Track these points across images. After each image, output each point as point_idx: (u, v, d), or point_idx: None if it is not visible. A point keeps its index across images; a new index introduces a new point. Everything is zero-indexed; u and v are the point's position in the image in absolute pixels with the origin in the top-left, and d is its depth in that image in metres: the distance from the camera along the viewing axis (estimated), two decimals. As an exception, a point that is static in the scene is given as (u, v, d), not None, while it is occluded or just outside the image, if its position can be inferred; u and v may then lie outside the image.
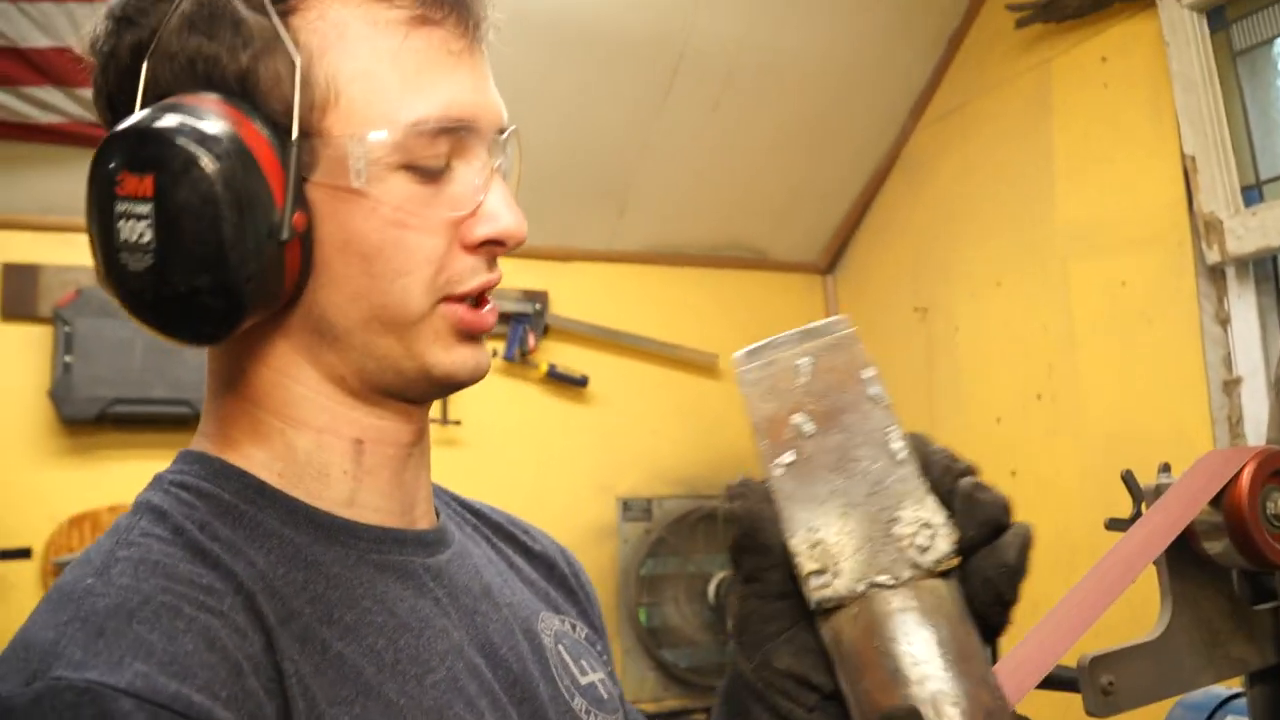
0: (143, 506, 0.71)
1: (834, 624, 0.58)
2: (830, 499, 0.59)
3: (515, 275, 3.28)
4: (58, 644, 0.58)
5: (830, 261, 3.81)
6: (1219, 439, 2.35)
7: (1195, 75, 2.40)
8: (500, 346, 3.27)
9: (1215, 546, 0.85)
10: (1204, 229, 2.39)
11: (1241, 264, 2.37)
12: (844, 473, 0.60)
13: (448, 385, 0.76)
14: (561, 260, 3.39)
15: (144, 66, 0.69)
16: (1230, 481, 0.83)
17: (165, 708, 0.55)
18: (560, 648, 0.87)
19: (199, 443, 0.78)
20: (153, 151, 0.65)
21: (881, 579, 0.57)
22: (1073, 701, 0.79)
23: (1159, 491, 0.91)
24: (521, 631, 0.82)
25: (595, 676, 0.88)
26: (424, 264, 0.71)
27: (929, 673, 0.55)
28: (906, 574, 0.57)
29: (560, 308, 3.38)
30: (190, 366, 2.84)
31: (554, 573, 0.97)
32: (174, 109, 0.66)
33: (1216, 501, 0.84)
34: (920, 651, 0.56)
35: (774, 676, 0.63)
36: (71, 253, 2.89)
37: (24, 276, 2.82)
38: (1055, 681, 0.88)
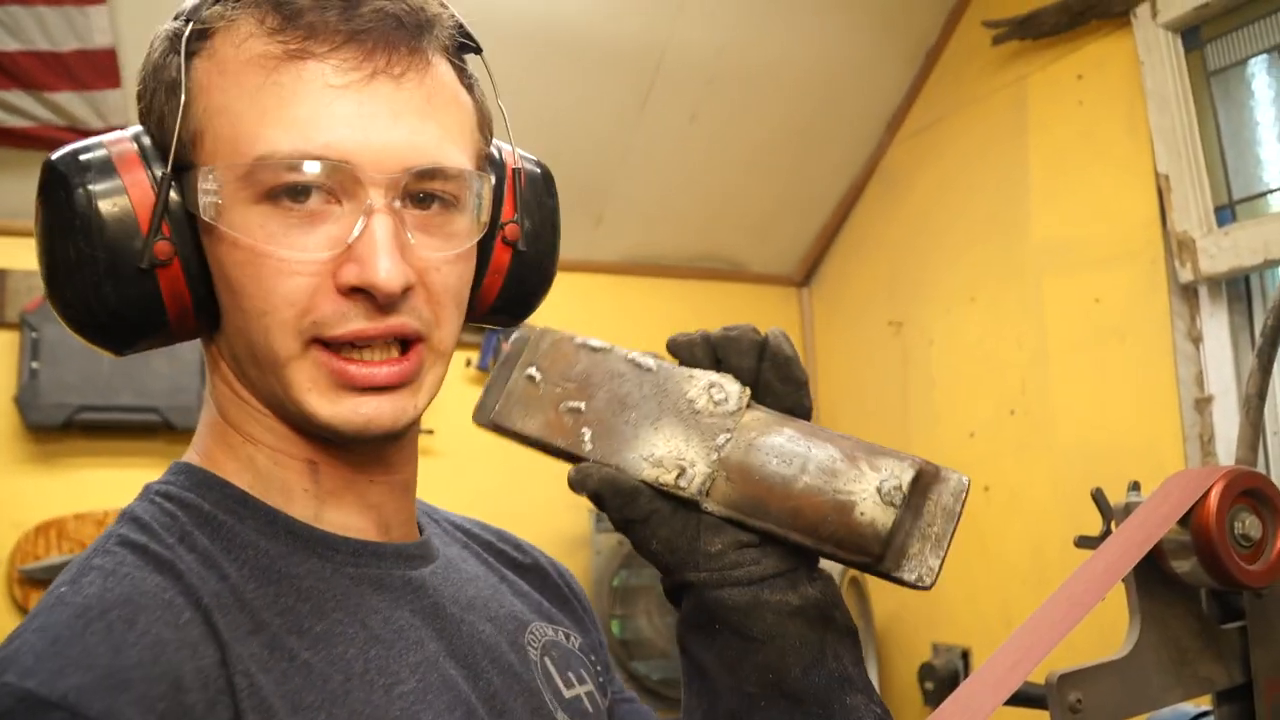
0: (126, 516, 0.73)
1: (719, 495, 0.66)
2: (639, 430, 0.68)
3: (490, 284, 3.26)
4: (18, 651, 0.60)
5: (806, 274, 3.81)
6: (1190, 457, 2.36)
7: (1170, 94, 2.42)
8: (474, 356, 3.26)
9: (1183, 566, 0.85)
10: (1177, 248, 2.40)
11: (1214, 283, 2.38)
12: (629, 406, 0.69)
13: (333, 435, 0.73)
14: (537, 270, 3.38)
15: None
16: (1199, 501, 0.83)
17: None
18: (547, 660, 0.86)
19: (189, 454, 0.79)
20: (44, 179, 0.70)
21: (720, 439, 0.66)
22: (1041, 718, 0.79)
23: (1128, 510, 0.91)
24: (508, 644, 0.82)
25: (582, 689, 0.88)
26: (283, 304, 0.69)
27: (802, 461, 0.65)
28: (729, 424, 0.67)
29: (535, 317, 3.36)
30: (158, 375, 2.82)
31: (547, 583, 0.98)
32: (85, 145, 0.71)
33: (1185, 521, 0.84)
34: (784, 453, 0.66)
35: (719, 559, 0.68)
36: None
37: (-9, 281, 2.79)
38: (1023, 699, 0.88)
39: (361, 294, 0.69)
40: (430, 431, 3.17)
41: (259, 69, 0.69)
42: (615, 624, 3.22)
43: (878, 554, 0.64)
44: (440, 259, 0.73)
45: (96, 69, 2.61)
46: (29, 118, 2.65)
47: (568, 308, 3.45)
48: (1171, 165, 2.41)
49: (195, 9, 0.73)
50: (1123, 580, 0.85)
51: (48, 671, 0.58)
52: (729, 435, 0.66)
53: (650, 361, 0.71)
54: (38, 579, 2.72)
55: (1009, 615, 2.80)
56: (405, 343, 0.72)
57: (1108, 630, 0.86)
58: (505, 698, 0.78)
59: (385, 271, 0.68)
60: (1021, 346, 2.87)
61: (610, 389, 0.70)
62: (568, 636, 0.91)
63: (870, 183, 3.55)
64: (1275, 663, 0.88)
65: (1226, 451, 2.30)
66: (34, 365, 2.72)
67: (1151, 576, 0.86)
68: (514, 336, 0.73)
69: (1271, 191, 2.31)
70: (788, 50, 3.14)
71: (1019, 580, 2.78)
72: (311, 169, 0.68)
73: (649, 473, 0.67)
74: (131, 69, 2.64)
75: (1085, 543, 0.99)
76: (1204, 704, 1.01)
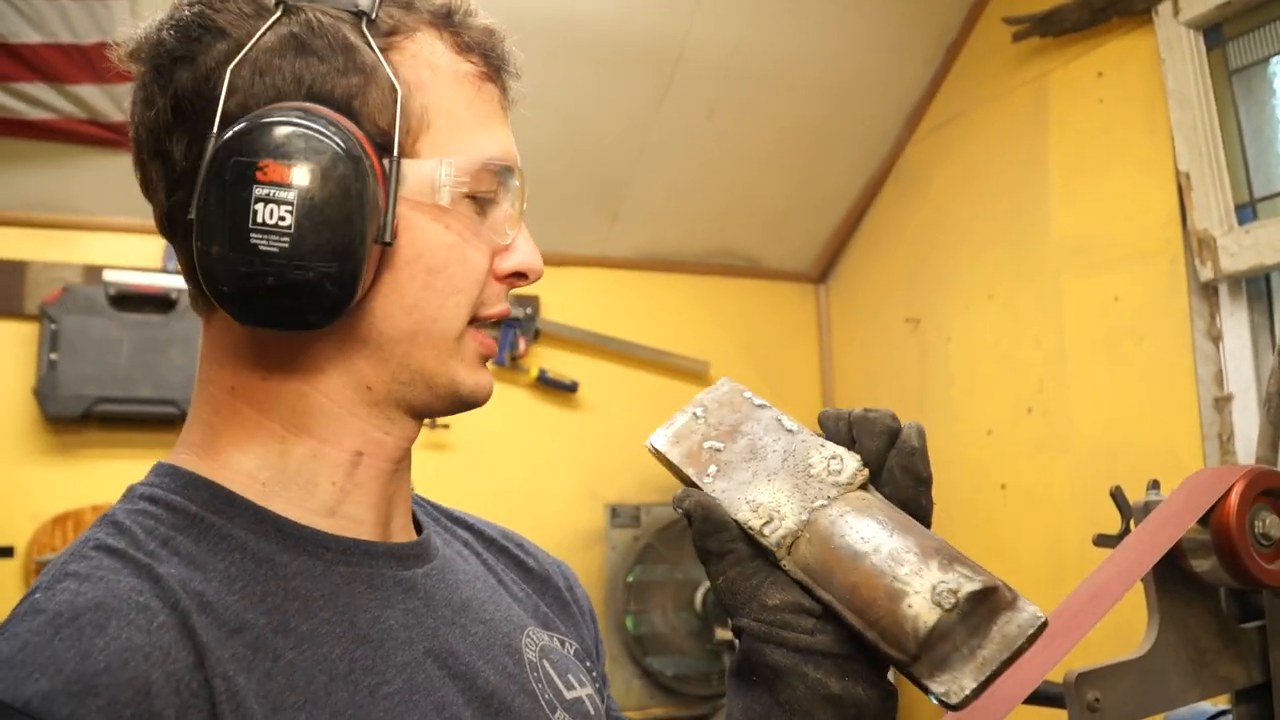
0: (106, 520, 0.73)
1: (797, 556, 0.68)
2: (755, 478, 0.72)
3: (507, 279, 3.27)
4: None
5: (823, 271, 3.81)
6: (1209, 456, 2.34)
7: (1191, 92, 2.41)
8: (490, 351, 3.26)
9: (1203, 565, 0.85)
10: (1197, 246, 2.39)
11: (1234, 282, 2.37)
12: (757, 457, 0.73)
13: (469, 404, 0.82)
14: (554, 265, 3.38)
15: (232, 74, 0.74)
16: (1219, 500, 0.83)
17: None
18: (545, 662, 0.87)
19: (177, 453, 0.80)
20: (301, 144, 0.70)
21: (817, 504, 0.68)
22: (1059, 717, 0.79)
23: (1148, 509, 0.91)
24: (502, 646, 0.83)
25: (583, 692, 0.89)
26: (474, 284, 0.80)
27: (880, 543, 0.66)
28: (833, 493, 0.69)
29: (551, 313, 3.37)
30: (175, 367, 2.83)
31: (548, 588, 0.98)
32: (307, 113, 0.71)
33: (1205, 520, 0.83)
34: (867, 532, 0.67)
35: (773, 614, 0.69)
36: (59, 250, 2.88)
37: (11, 273, 2.80)
38: (1041, 697, 0.88)
39: (514, 279, 0.83)
40: (446, 426, 3.18)
41: (467, 82, 0.81)
42: (629, 619, 3.23)
43: (913, 653, 0.63)
44: None
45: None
46: (50, 110, 2.66)
47: (584, 302, 3.49)
48: (1192, 163, 2.40)
49: (370, 4, 0.78)
50: (1141, 579, 0.84)
51: (13, 678, 0.59)
52: (826, 503, 0.69)
53: (794, 424, 0.76)
54: (56, 569, 2.74)
55: None
56: None
57: (1126, 629, 0.86)
58: (502, 698, 0.79)
59: (540, 261, 0.84)
60: (1040, 345, 2.85)
61: (751, 439, 0.75)
62: (563, 643, 0.92)
63: (888, 179, 3.54)
64: None
65: (1246, 451, 2.28)
66: (52, 357, 2.73)
67: (1171, 575, 0.86)
68: (718, 383, 0.81)
69: None
70: (806, 46, 3.14)
71: (1036, 579, 2.77)
72: (515, 175, 0.82)
73: (743, 514, 0.70)
74: (151, 62, 2.65)
75: (1104, 541, 0.99)
76: (1222, 703, 1.00)
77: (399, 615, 0.77)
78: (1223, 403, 2.35)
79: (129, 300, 2.84)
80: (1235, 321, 2.38)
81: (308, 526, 0.77)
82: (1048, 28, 2.80)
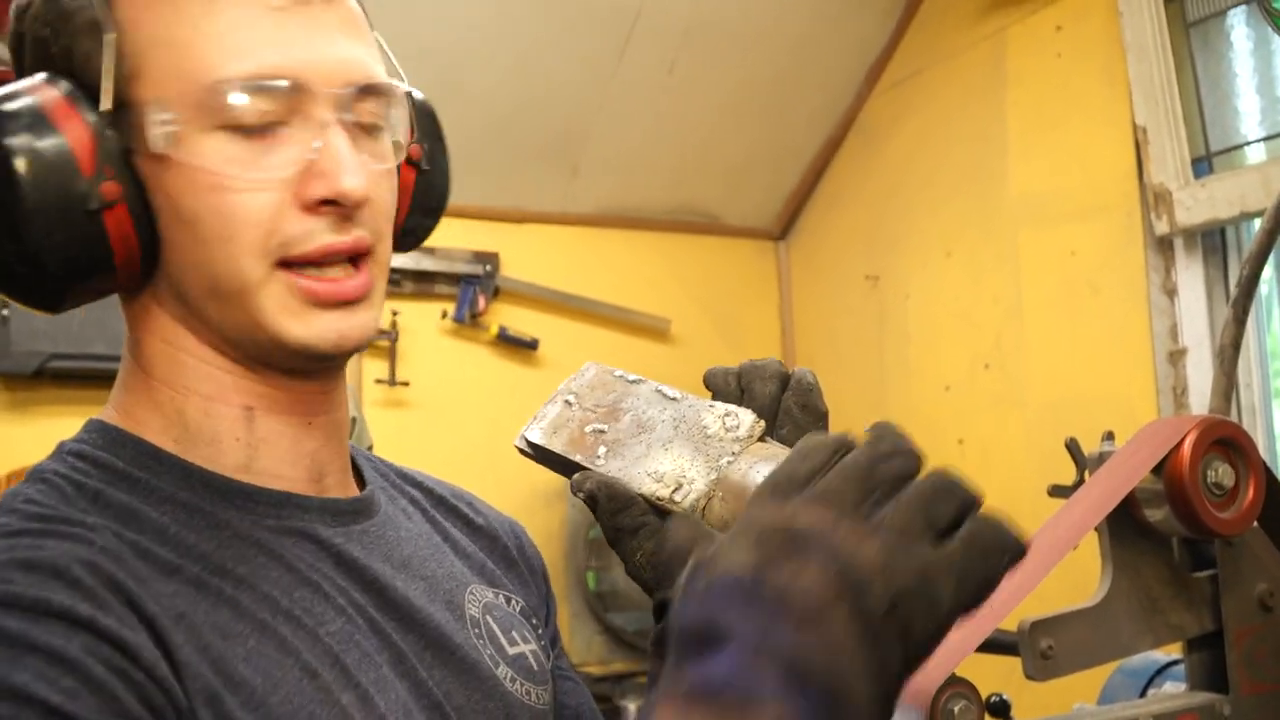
0: (34, 476, 0.71)
1: (713, 516, 0.65)
2: (650, 450, 0.69)
3: (466, 236, 3.26)
4: None
5: (783, 228, 3.81)
6: (1164, 409, 2.39)
7: (1148, 45, 2.42)
8: (450, 308, 3.24)
9: (1156, 514, 0.86)
10: (1153, 200, 2.41)
11: (1190, 236, 2.39)
12: (646, 430, 0.71)
13: (307, 356, 0.73)
14: (514, 222, 3.36)
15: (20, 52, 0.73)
16: (1172, 450, 0.84)
17: (28, 609, 0.58)
18: (489, 618, 0.86)
19: (105, 411, 0.78)
20: None
21: (723, 461, 0.66)
22: (1013, 665, 0.80)
23: (1102, 459, 0.92)
24: (443, 602, 0.82)
25: (526, 648, 0.88)
26: (248, 227, 0.69)
27: None
28: (736, 449, 0.67)
29: (511, 270, 3.35)
30: (131, 323, 2.80)
31: (496, 546, 0.96)
32: (4, 93, 0.69)
33: (1158, 470, 0.84)
34: None
35: None
36: (8, 205, 2.83)
37: (-41, 229, 2.76)
38: (996, 645, 0.89)
39: (328, 206, 0.70)
40: (406, 383, 3.16)
41: None
42: (591, 576, 3.24)
43: None
44: (379, 173, 0.74)
45: None
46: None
47: (545, 259, 3.47)
48: (1149, 117, 2.42)
49: None
50: (1095, 529, 0.85)
51: None
52: (732, 458, 0.67)
53: (676, 392, 0.73)
54: (10, 530, 2.72)
55: None
56: (355, 259, 0.73)
57: (1080, 579, 0.87)
58: (444, 645, 0.78)
59: (352, 180, 0.69)
60: (997, 300, 2.88)
61: (634, 414, 0.72)
62: (509, 600, 0.91)
63: (848, 136, 3.54)
64: (1246, 610, 0.89)
65: (1200, 404, 2.32)
66: (3, 313, 2.70)
67: (1124, 525, 0.87)
68: (581, 370, 0.76)
69: (1248, 144, 2.32)
70: (767, 1, 3.12)
71: (992, 532, 2.82)
72: (267, 90, 0.69)
73: (648, 487, 0.68)
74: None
75: (1059, 492, 1.00)
76: (1174, 652, 1.02)
77: (331, 566, 0.75)
78: (1177, 356, 2.38)
79: (80, 257, 2.80)
80: (1190, 275, 2.41)
81: (237, 480, 0.74)
82: (1007, -18, 2.80)
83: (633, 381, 0.75)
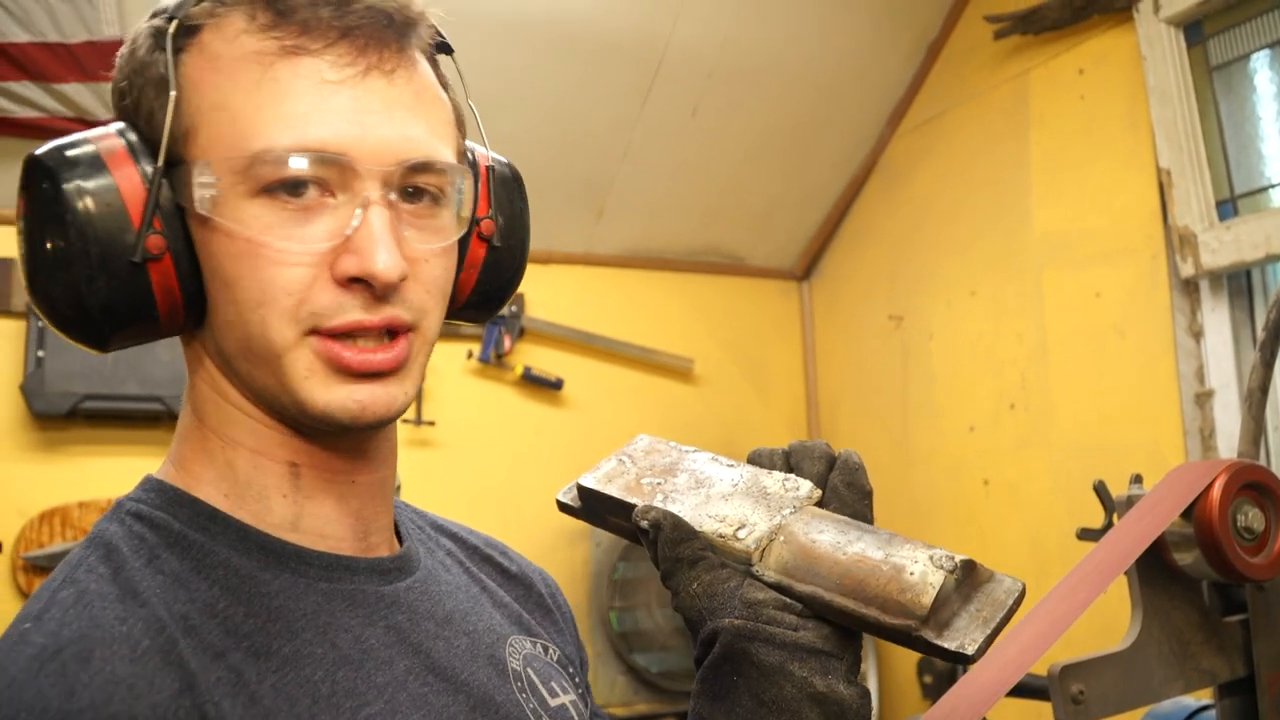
0: (96, 540, 0.72)
1: (772, 559, 0.69)
2: (709, 500, 0.73)
3: (492, 277, 3.27)
4: None
5: (806, 268, 3.82)
6: (1191, 451, 2.36)
7: (1171, 89, 2.42)
8: (476, 348, 3.26)
9: (1186, 558, 0.86)
10: (1178, 242, 2.41)
11: (1215, 278, 2.39)
12: (705, 486, 0.74)
13: (328, 424, 0.73)
14: (539, 263, 3.39)
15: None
16: (1201, 494, 0.84)
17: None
18: (529, 670, 0.86)
19: (163, 468, 0.78)
20: (27, 174, 0.70)
21: (785, 512, 0.70)
22: (1043, 710, 0.81)
23: (1130, 502, 0.92)
24: (486, 657, 0.82)
25: (566, 699, 0.88)
26: (281, 295, 0.70)
27: (859, 534, 0.69)
28: (796, 505, 0.71)
29: (536, 310, 3.37)
30: (162, 364, 2.83)
31: (530, 594, 0.97)
32: (70, 140, 0.71)
33: (1187, 513, 0.84)
34: (842, 528, 0.70)
35: (758, 610, 0.68)
36: (44, 247, 2.87)
37: (-3, 270, 2.80)
38: (1026, 690, 0.89)
39: (359, 284, 0.70)
40: (432, 423, 3.18)
41: (254, 65, 0.70)
42: (614, 616, 3.23)
43: (922, 616, 0.64)
44: (429, 251, 0.74)
45: (104, 60, 2.61)
46: (37, 108, 2.65)
47: (570, 299, 3.49)
48: (1173, 160, 2.42)
49: (179, 5, 0.73)
50: (1125, 573, 0.85)
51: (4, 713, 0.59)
52: (793, 512, 0.71)
53: (732, 461, 0.77)
54: (41, 566, 2.73)
55: None
56: (393, 332, 0.73)
57: (1110, 623, 0.87)
58: (488, 708, 0.78)
59: (384, 262, 0.69)
60: (1022, 341, 2.87)
61: (691, 473, 0.76)
62: (546, 650, 0.91)
63: (871, 177, 3.55)
64: (1277, 656, 0.89)
65: (1227, 446, 2.30)
66: (39, 354, 2.73)
67: (1154, 569, 0.87)
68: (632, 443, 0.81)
69: (1273, 186, 2.31)
70: (789, 44, 3.15)
71: (1019, 574, 2.73)
72: (309, 162, 0.69)
73: (710, 526, 0.71)
74: (135, 60, 2.65)
75: (1087, 535, 1.00)
76: (1205, 697, 1.01)
77: (380, 633, 0.75)
78: (1204, 398, 2.37)
79: (113, 298, 2.83)
80: (1216, 317, 2.40)
81: (290, 542, 0.75)
82: (1029, 25, 2.82)
83: (688, 451, 0.79)
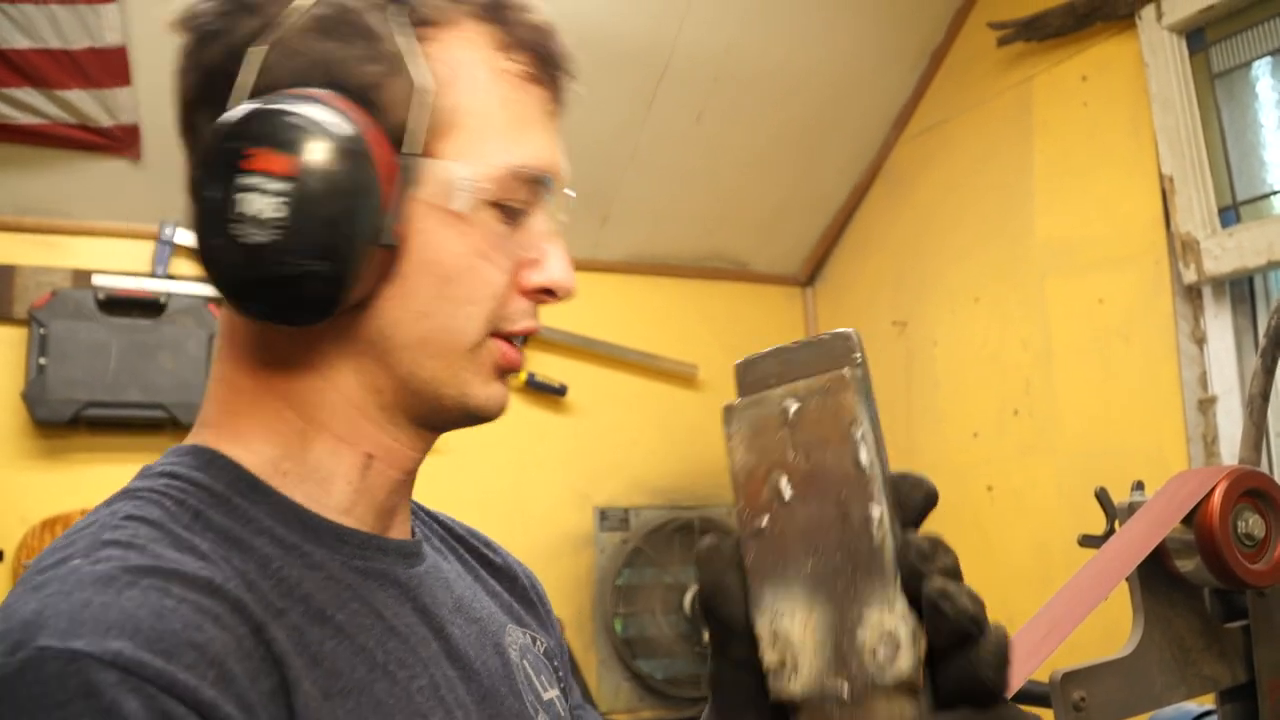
0: (128, 494, 0.70)
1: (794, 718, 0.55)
2: (799, 583, 0.55)
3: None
4: (41, 614, 0.57)
5: (811, 274, 3.83)
6: (1194, 457, 2.37)
7: (1174, 96, 2.43)
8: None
9: (1187, 565, 0.86)
10: (1181, 249, 2.42)
11: (1218, 284, 2.40)
12: (817, 552, 0.55)
13: (479, 418, 0.79)
14: (543, 269, 3.39)
15: (254, 53, 0.71)
16: (1202, 500, 0.84)
17: (150, 682, 0.55)
18: (525, 662, 0.87)
19: (197, 434, 0.78)
20: (297, 135, 0.67)
21: (838, 691, 0.53)
22: (1045, 717, 0.79)
23: (1132, 509, 0.92)
24: (492, 646, 0.83)
25: (554, 694, 0.89)
26: (490, 297, 0.76)
27: None
28: (862, 689, 0.52)
29: (540, 316, 3.37)
30: (165, 371, 2.84)
31: (516, 586, 0.98)
32: (313, 100, 0.69)
33: (1188, 520, 0.85)
34: None
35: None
36: (48, 254, 2.88)
37: (0, 277, 2.81)
38: (1027, 697, 0.88)
39: (541, 295, 0.80)
40: (435, 429, 3.19)
41: (502, 81, 0.77)
42: (618, 622, 3.24)
43: None
44: None
45: (107, 67, 2.63)
46: (40, 115, 2.67)
47: (574, 305, 3.44)
48: (1176, 167, 2.43)
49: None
50: (1126, 579, 0.85)
51: (90, 632, 0.55)
52: (850, 699, 0.53)
53: (878, 533, 0.54)
54: (44, 574, 2.75)
55: (1012, 615, 2.80)
56: None
57: (1113, 629, 0.87)
58: (494, 699, 0.79)
59: (571, 279, 0.81)
60: (1026, 347, 2.88)
61: (823, 513, 0.55)
62: (534, 640, 0.92)
63: (875, 183, 3.57)
64: (1278, 662, 0.89)
65: (1230, 452, 2.31)
66: (41, 361, 2.74)
67: (1155, 575, 0.87)
68: (841, 335, 0.60)
69: (1275, 193, 2.33)
70: (794, 51, 3.16)
71: (1023, 580, 2.79)
72: (547, 185, 0.79)
73: (761, 626, 0.55)
74: (141, 67, 2.66)
75: (1089, 542, 0.99)
76: (1207, 703, 1.01)
77: (411, 613, 0.76)
78: (1207, 404, 2.38)
79: (118, 304, 2.84)
80: (1219, 324, 2.41)
81: (326, 519, 0.75)
82: (1032, 33, 2.83)
83: (857, 462, 0.56)
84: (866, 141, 3.48)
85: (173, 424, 2.85)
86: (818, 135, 3.42)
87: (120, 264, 2.94)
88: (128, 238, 2.95)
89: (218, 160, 0.67)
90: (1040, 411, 2.82)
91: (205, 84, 0.74)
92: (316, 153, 0.67)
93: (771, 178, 3.50)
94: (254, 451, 0.75)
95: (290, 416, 0.76)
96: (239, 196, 0.66)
